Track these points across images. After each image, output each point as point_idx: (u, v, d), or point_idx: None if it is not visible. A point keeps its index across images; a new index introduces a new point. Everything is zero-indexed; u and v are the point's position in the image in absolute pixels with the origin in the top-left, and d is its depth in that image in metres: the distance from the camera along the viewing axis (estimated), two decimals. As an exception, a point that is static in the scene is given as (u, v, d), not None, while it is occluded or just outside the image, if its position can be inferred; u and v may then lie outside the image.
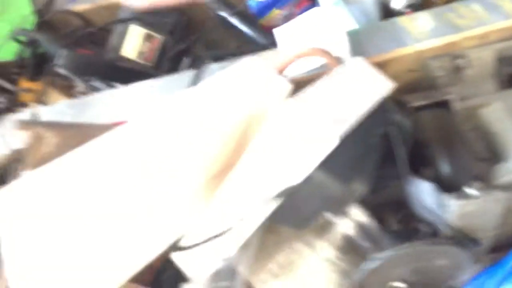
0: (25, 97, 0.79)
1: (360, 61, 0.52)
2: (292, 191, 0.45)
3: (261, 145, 0.46)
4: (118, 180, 0.42)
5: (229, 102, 0.50)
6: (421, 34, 0.59)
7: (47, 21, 0.80)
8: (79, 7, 0.81)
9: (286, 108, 0.45)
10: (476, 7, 0.61)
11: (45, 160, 0.44)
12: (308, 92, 0.46)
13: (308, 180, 0.44)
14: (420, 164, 0.54)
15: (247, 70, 0.52)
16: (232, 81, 0.51)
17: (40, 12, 0.79)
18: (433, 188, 0.49)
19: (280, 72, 0.57)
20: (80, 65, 0.67)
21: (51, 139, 0.44)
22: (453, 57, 0.57)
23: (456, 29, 0.58)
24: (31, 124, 0.45)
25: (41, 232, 0.35)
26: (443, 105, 0.56)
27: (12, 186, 0.34)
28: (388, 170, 0.52)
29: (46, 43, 0.71)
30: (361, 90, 0.48)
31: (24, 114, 0.59)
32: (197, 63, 0.76)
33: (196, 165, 0.50)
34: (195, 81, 0.58)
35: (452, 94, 0.54)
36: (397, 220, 0.54)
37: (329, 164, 0.44)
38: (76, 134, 0.45)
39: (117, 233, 0.42)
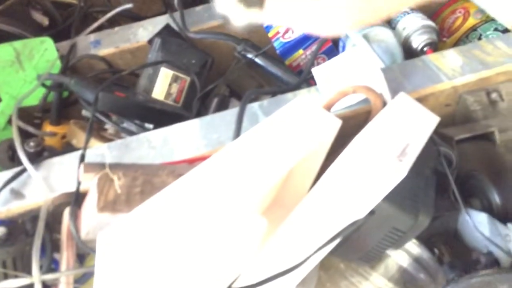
0: (49, 141, 0.79)
1: (405, 97, 0.54)
2: (356, 225, 0.45)
3: (325, 183, 0.46)
4: (189, 224, 0.42)
5: (283, 141, 0.51)
6: (452, 70, 0.62)
7: (72, 66, 0.81)
8: (103, 51, 0.82)
9: (349, 147, 0.46)
10: (500, 44, 0.65)
11: (115, 203, 0.43)
12: (366, 130, 0.48)
13: (374, 213, 0.45)
14: (466, 195, 0.55)
15: (298, 109, 0.54)
16: (284, 121, 0.52)
17: (65, 58, 0.80)
18: (489, 219, 0.50)
19: (328, 109, 0.58)
20: (116, 108, 0.68)
21: (118, 181, 0.43)
22: (487, 91, 0.60)
23: (486, 65, 0.61)
24: (98, 166, 0.44)
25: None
26: (482, 137, 0.58)
27: (114, 229, 0.34)
28: (437, 202, 0.53)
29: (77, 87, 0.71)
30: (414, 125, 0.50)
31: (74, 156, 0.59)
32: (224, 103, 0.78)
33: (250, 204, 0.50)
34: (239, 120, 0.58)
35: (493, 127, 0.56)
36: (449, 252, 0.54)
37: (395, 197, 0.44)
38: (141, 174, 0.45)
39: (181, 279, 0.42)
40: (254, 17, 0.13)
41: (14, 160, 0.67)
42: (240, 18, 0.12)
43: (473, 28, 0.81)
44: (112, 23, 0.93)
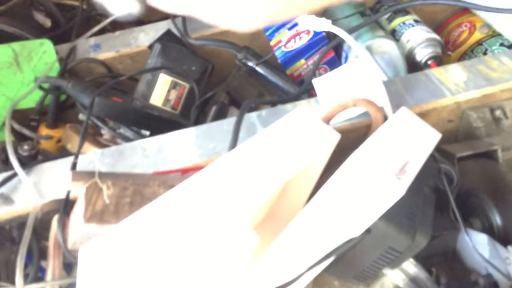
0: (45, 144, 0.78)
1: (407, 112, 0.53)
2: (352, 244, 0.44)
3: (321, 199, 0.45)
4: (176, 236, 0.40)
5: (279, 154, 0.50)
6: (456, 85, 0.60)
7: (71, 69, 0.80)
8: (103, 55, 0.82)
9: (347, 162, 0.44)
10: (505, 60, 0.63)
11: (103, 213, 0.42)
12: (365, 145, 0.46)
13: (370, 232, 0.43)
14: (467, 214, 0.54)
15: (296, 121, 0.52)
16: (282, 133, 0.51)
17: (64, 60, 0.79)
18: (489, 240, 0.49)
19: (327, 122, 0.57)
20: (112, 113, 0.66)
21: (107, 190, 0.42)
22: (491, 108, 0.58)
23: (491, 81, 0.60)
24: (88, 174, 0.43)
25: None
26: (484, 155, 0.56)
27: (97, 241, 0.32)
28: (437, 221, 0.51)
29: (74, 91, 0.70)
30: (415, 141, 0.48)
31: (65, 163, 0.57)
32: (223, 111, 0.77)
33: (242, 218, 0.49)
34: (236, 130, 0.57)
35: (496, 145, 0.54)
36: (447, 272, 0.53)
37: (393, 215, 0.43)
38: (131, 185, 0.44)
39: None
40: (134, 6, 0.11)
41: (7, 163, 0.66)
42: (120, 7, 0.11)
43: (479, 43, 0.80)
44: (115, 26, 0.93)
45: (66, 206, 0.49)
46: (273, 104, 0.68)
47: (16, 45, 0.75)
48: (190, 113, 0.75)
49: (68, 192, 0.49)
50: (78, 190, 0.44)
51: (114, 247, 0.32)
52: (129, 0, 0.85)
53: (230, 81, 0.80)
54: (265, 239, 0.49)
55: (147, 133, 0.72)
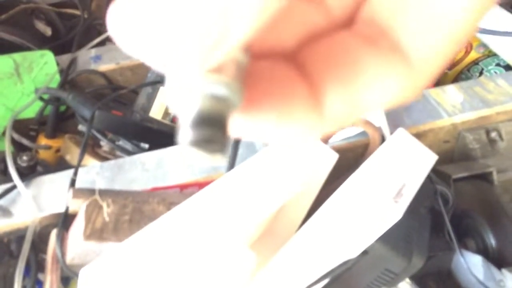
0: (43, 154, 0.78)
1: (404, 133, 0.54)
2: (348, 265, 0.44)
3: (318, 220, 0.45)
4: (176, 254, 0.41)
5: (278, 175, 0.50)
6: (452, 107, 0.61)
7: (71, 80, 0.80)
8: (103, 67, 0.82)
9: (345, 185, 0.45)
10: (501, 82, 0.64)
11: (103, 231, 0.42)
12: (363, 168, 0.47)
13: (367, 253, 0.44)
14: (461, 234, 0.55)
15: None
16: (281, 153, 0.52)
17: (65, 72, 0.79)
18: (484, 262, 0.49)
19: (325, 141, 0.58)
20: (112, 126, 0.67)
21: (108, 208, 0.42)
22: (487, 130, 0.59)
23: (487, 103, 0.61)
24: (88, 192, 0.44)
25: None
26: (479, 176, 0.57)
27: (97, 263, 0.33)
28: (432, 241, 0.52)
29: (74, 102, 0.70)
30: (412, 163, 0.49)
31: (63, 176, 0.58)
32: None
33: (240, 238, 0.49)
34: (235, 147, 0.58)
35: (491, 167, 0.55)
36: (442, 293, 0.53)
37: (389, 238, 0.44)
38: (131, 202, 0.44)
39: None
40: (218, 160, 0.12)
41: (6, 174, 0.66)
42: (204, 162, 0.11)
43: (475, 62, 0.81)
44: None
45: (65, 220, 0.49)
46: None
47: (17, 56, 0.76)
48: (189, 126, 0.75)
49: (67, 207, 0.49)
50: (78, 206, 0.44)
51: (115, 269, 0.33)
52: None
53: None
54: (261, 257, 0.50)
55: (146, 146, 0.73)
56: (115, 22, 0.11)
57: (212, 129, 0.11)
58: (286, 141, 0.13)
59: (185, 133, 0.12)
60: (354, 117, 0.14)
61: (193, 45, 0.10)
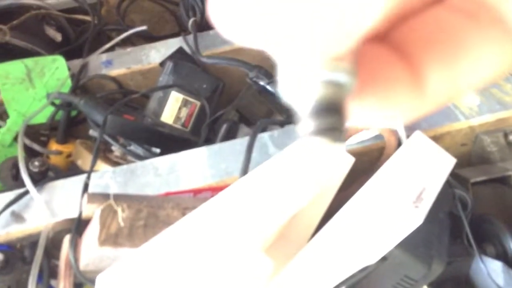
0: (54, 159, 0.78)
1: (421, 136, 0.53)
2: (367, 272, 0.43)
3: (336, 226, 0.44)
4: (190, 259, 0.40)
5: (294, 180, 0.50)
6: (469, 109, 0.60)
7: (83, 85, 0.80)
8: (114, 71, 0.82)
9: (364, 189, 0.44)
10: (518, 84, 0.63)
11: (117, 236, 0.42)
12: (382, 172, 0.46)
13: (386, 259, 0.43)
14: (480, 239, 0.53)
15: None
16: (296, 157, 0.51)
17: (76, 77, 0.79)
18: (504, 268, 0.48)
19: (340, 145, 0.57)
20: (125, 131, 0.67)
21: (122, 213, 0.42)
22: (505, 132, 0.58)
23: (504, 105, 0.60)
24: (102, 197, 0.43)
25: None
26: (498, 180, 0.56)
27: (114, 270, 0.32)
28: (450, 246, 0.51)
29: (86, 107, 0.70)
30: (430, 167, 0.48)
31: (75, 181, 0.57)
32: (233, 129, 0.77)
33: (257, 244, 0.49)
34: (248, 151, 0.57)
35: (510, 170, 0.54)
36: (461, 299, 0.52)
37: (409, 243, 0.43)
38: (145, 207, 0.44)
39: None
40: (339, 148, 0.12)
41: (17, 179, 0.66)
42: (322, 149, 0.11)
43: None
44: (125, 41, 0.93)
45: (78, 226, 0.48)
46: (285, 124, 0.67)
47: (29, 61, 0.76)
48: (201, 130, 0.75)
49: (80, 212, 0.48)
50: (92, 211, 0.43)
51: (132, 276, 0.32)
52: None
53: (240, 99, 0.80)
54: (276, 261, 0.49)
55: (158, 150, 0.72)
56: (219, 5, 0.10)
57: (334, 116, 0.11)
58: (388, 123, 0.13)
59: (306, 123, 0.11)
60: (456, 97, 0.13)
61: (323, 33, 0.10)
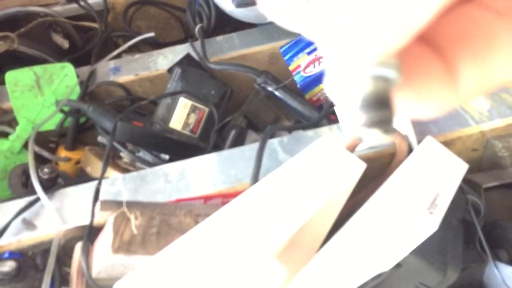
0: (63, 166, 0.78)
1: (432, 142, 0.53)
2: (381, 278, 0.43)
3: (350, 232, 0.44)
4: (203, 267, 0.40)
5: (306, 187, 0.49)
6: (480, 114, 0.60)
7: (91, 92, 0.80)
8: (122, 78, 0.82)
9: (377, 195, 0.44)
10: (529, 89, 0.63)
11: (131, 244, 0.42)
12: (395, 178, 0.46)
13: (400, 266, 0.43)
14: (492, 245, 0.53)
15: (321, 151, 0.52)
16: (308, 164, 0.51)
17: (84, 84, 0.79)
18: (519, 274, 0.48)
19: (351, 150, 0.57)
20: (134, 137, 0.67)
21: (135, 220, 0.42)
22: (516, 138, 0.58)
23: (515, 110, 0.60)
24: (115, 204, 0.43)
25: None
26: (509, 185, 0.56)
27: (130, 278, 0.32)
28: (463, 252, 0.50)
29: (95, 114, 0.70)
30: (443, 172, 0.48)
31: (86, 188, 0.57)
32: (242, 135, 0.77)
33: (271, 251, 0.48)
34: (259, 157, 0.57)
35: (523, 176, 0.54)
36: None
37: (424, 250, 0.42)
38: (158, 214, 0.44)
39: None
40: (389, 139, 0.13)
41: (27, 186, 0.66)
42: (375, 140, 0.12)
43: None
44: (131, 48, 0.93)
45: (90, 233, 0.48)
46: (294, 130, 0.67)
47: (37, 68, 0.76)
48: (209, 137, 0.75)
49: (92, 219, 0.48)
50: (105, 218, 0.43)
51: (148, 284, 0.32)
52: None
53: (248, 105, 0.80)
54: (288, 267, 0.49)
55: (166, 156, 0.72)
56: None
57: (385, 109, 0.12)
58: (424, 115, 0.14)
59: (358, 116, 0.12)
60: (487, 91, 0.14)
61: (382, 32, 0.11)
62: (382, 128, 0.12)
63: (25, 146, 0.75)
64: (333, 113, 0.66)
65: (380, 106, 0.12)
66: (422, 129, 0.59)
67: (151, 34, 0.87)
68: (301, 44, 0.78)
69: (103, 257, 0.43)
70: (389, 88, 0.12)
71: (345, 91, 0.12)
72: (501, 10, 0.13)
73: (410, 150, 0.56)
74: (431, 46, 0.14)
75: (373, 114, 0.12)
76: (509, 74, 0.14)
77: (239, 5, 0.73)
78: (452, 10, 0.14)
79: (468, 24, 0.14)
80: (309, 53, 0.78)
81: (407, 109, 0.13)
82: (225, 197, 0.58)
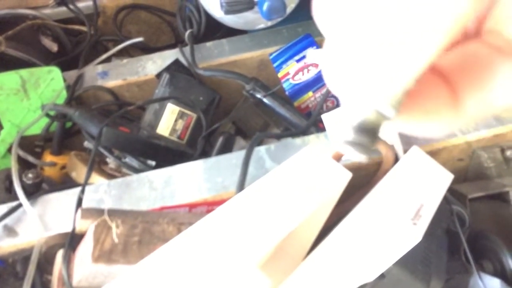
0: (48, 171, 0.77)
1: (418, 152, 0.53)
2: (365, 288, 0.43)
3: (333, 242, 0.44)
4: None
5: (291, 196, 0.49)
6: (466, 125, 0.60)
7: (78, 96, 0.80)
8: (110, 83, 0.81)
9: (362, 205, 0.44)
10: (515, 100, 0.63)
11: (111, 253, 0.41)
12: (379, 188, 0.46)
13: (384, 277, 0.42)
14: (477, 256, 0.53)
15: (307, 160, 0.52)
16: (294, 173, 0.50)
17: (71, 88, 0.78)
18: (502, 285, 0.48)
19: (337, 159, 0.57)
20: (120, 143, 0.66)
21: (117, 229, 0.41)
22: (502, 148, 0.58)
23: (501, 121, 0.60)
24: (97, 212, 0.42)
25: None
26: (496, 196, 0.56)
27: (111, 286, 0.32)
28: (448, 263, 0.50)
29: (81, 119, 0.69)
30: (428, 183, 0.48)
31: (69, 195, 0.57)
32: (230, 142, 0.76)
33: (255, 261, 0.48)
34: (245, 165, 0.56)
35: (508, 187, 0.54)
36: (459, 316, 0.51)
37: (407, 261, 0.42)
38: (140, 222, 0.43)
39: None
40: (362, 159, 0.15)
41: (11, 191, 0.65)
42: (352, 157, 0.14)
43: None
44: (121, 52, 0.93)
45: (72, 241, 0.48)
46: (281, 137, 0.67)
47: (24, 72, 0.75)
48: (197, 143, 0.74)
49: (74, 227, 0.48)
50: (86, 226, 0.43)
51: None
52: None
53: (237, 111, 0.80)
54: (273, 277, 0.48)
55: (153, 163, 0.72)
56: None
57: (369, 137, 0.14)
58: (428, 134, 0.16)
59: (345, 131, 0.14)
60: (489, 115, 0.16)
61: (388, 77, 0.13)
62: (359, 150, 0.14)
63: (10, 150, 0.74)
64: (321, 120, 0.66)
65: (367, 133, 0.14)
66: (408, 139, 0.59)
67: (140, 39, 0.87)
68: (290, 52, 0.78)
69: (84, 266, 0.42)
70: (382, 122, 0.14)
71: (350, 110, 0.14)
72: (501, 47, 0.15)
73: (396, 159, 0.56)
74: (440, 75, 0.16)
75: (359, 137, 0.14)
76: (507, 101, 0.15)
77: (227, 12, 0.73)
78: (458, 44, 0.16)
79: (472, 58, 0.16)
80: (298, 61, 0.78)
81: (413, 126, 0.15)
82: (210, 205, 0.58)
